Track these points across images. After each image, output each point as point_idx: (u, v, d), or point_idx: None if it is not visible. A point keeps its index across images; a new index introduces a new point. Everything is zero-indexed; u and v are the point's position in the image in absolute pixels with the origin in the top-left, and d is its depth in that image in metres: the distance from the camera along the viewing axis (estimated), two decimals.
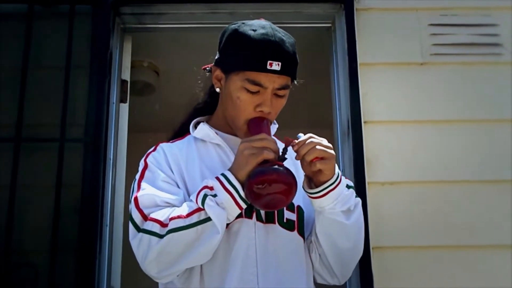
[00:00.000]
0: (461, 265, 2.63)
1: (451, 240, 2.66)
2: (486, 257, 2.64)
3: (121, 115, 2.94)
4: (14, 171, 2.72)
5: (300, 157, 1.69)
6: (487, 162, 2.75)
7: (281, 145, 1.72)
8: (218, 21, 2.98)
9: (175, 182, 1.78)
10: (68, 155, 2.76)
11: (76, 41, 2.89)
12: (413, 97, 2.83)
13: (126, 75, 3.02)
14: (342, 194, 1.74)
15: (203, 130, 1.89)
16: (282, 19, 2.91)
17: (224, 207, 1.64)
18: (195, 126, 1.93)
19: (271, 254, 1.75)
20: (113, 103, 2.88)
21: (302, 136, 1.71)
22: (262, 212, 1.77)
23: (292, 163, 1.79)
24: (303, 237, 1.84)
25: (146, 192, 1.72)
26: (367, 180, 2.69)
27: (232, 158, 1.77)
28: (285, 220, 1.81)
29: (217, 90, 1.87)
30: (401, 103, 2.82)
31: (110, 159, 2.80)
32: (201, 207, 1.63)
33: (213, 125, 1.92)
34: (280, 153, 1.70)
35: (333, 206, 1.73)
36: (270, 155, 1.64)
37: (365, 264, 2.55)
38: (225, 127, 1.89)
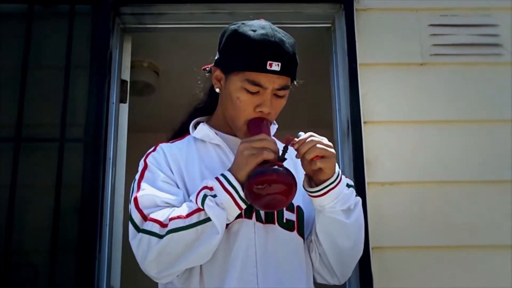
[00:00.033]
0: (461, 265, 2.63)
1: (451, 240, 2.66)
2: (486, 257, 2.64)
3: (121, 115, 2.94)
4: (14, 171, 2.72)
5: (300, 155, 1.69)
6: (487, 162, 2.75)
7: (280, 146, 1.72)
8: (218, 21, 2.98)
9: (175, 182, 1.78)
10: (68, 155, 2.76)
11: (76, 41, 2.89)
12: (413, 98, 2.82)
13: (126, 75, 3.02)
14: (342, 193, 1.74)
15: (202, 131, 1.89)
16: (282, 19, 2.91)
17: (224, 207, 1.64)
18: (195, 127, 1.93)
19: (271, 254, 1.75)
20: (113, 103, 2.88)
21: (302, 135, 1.71)
22: (262, 213, 1.77)
23: (292, 163, 1.79)
24: (303, 237, 1.84)
25: (146, 193, 1.72)
26: (366, 180, 2.69)
27: (232, 158, 1.77)
28: (284, 221, 1.81)
29: (217, 90, 1.87)
30: (401, 104, 2.82)
31: (110, 159, 2.80)
32: (201, 207, 1.63)
33: (213, 126, 1.92)
34: (280, 154, 1.70)
35: (333, 205, 1.73)
36: (270, 156, 1.64)
37: (364, 264, 2.55)
38: (225, 127, 1.89)
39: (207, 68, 1.94)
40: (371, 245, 2.58)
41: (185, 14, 3.03)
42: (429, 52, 2.89)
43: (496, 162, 2.75)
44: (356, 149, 2.74)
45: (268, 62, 1.70)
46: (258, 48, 1.72)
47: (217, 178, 1.68)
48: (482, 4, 2.97)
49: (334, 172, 1.72)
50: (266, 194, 1.61)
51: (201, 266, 1.71)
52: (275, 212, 1.78)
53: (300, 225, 1.83)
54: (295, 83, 1.84)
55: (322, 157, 1.67)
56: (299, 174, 1.80)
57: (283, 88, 1.77)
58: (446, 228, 2.66)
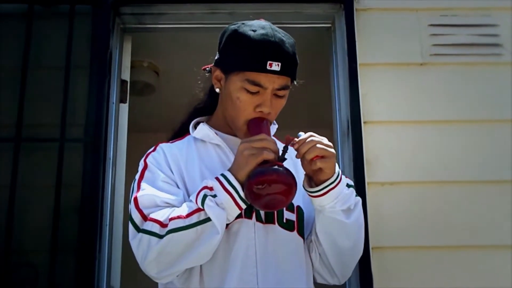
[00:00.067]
0: (461, 265, 2.63)
1: (451, 240, 2.66)
2: (486, 257, 2.64)
3: (121, 115, 2.94)
4: (14, 171, 2.72)
5: (300, 155, 1.69)
6: (487, 162, 2.75)
7: (280, 146, 1.72)
8: (217, 21, 2.98)
9: (175, 182, 1.78)
10: (68, 155, 2.76)
11: (76, 41, 2.89)
12: (413, 98, 2.82)
13: (126, 75, 3.02)
14: (342, 193, 1.74)
15: (202, 131, 1.89)
16: (282, 19, 2.91)
17: (224, 207, 1.64)
18: (195, 127, 1.93)
19: (271, 254, 1.75)
20: (113, 103, 2.88)
21: (302, 135, 1.71)
22: (262, 213, 1.77)
23: (292, 163, 1.79)
24: (303, 237, 1.84)
25: (146, 193, 1.72)
26: (366, 180, 2.69)
27: (232, 158, 1.77)
28: (284, 221, 1.81)
29: (217, 90, 1.87)
30: (401, 104, 2.82)
31: (110, 159, 2.80)
32: (201, 207, 1.63)
33: (213, 126, 1.92)
34: (280, 154, 1.70)
35: (333, 205, 1.73)
36: (270, 156, 1.64)
37: (364, 264, 2.55)
38: (225, 127, 1.89)
39: (207, 68, 1.94)
40: (371, 245, 2.58)
41: (185, 14, 3.03)
42: (429, 52, 2.89)
43: (496, 162, 2.75)
44: (356, 149, 2.74)
45: (268, 62, 1.70)
46: (258, 48, 1.72)
47: (217, 178, 1.68)
48: (482, 4, 2.97)
49: (334, 172, 1.72)
50: (266, 194, 1.61)
51: (201, 266, 1.71)
52: (275, 212, 1.78)
53: (300, 225, 1.83)
54: (295, 83, 1.84)
55: (322, 157, 1.67)
56: (299, 174, 1.80)
57: (283, 88, 1.77)
58: (446, 228, 2.66)
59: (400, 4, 2.97)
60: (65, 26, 2.90)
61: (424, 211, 2.68)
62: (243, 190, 1.64)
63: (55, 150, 2.75)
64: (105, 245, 2.70)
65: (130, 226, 1.69)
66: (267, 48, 1.72)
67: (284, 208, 1.79)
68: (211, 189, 1.66)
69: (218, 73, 1.84)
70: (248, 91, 1.74)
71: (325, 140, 1.70)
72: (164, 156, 1.84)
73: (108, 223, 2.73)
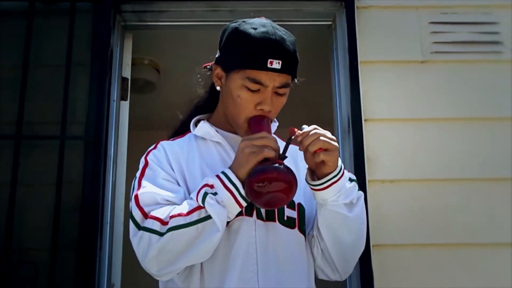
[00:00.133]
0: (461, 263, 2.63)
1: (451, 238, 2.66)
2: (486, 255, 2.64)
3: (122, 113, 2.94)
4: (15, 169, 2.72)
5: (303, 148, 1.69)
6: (488, 160, 2.75)
7: (281, 144, 1.72)
8: (218, 19, 2.98)
9: (176, 180, 1.78)
10: (69, 152, 2.76)
11: (76, 38, 2.89)
12: (414, 95, 2.82)
13: (127, 73, 3.03)
14: (344, 186, 1.75)
15: (203, 128, 1.89)
16: (283, 17, 2.92)
17: (225, 205, 1.64)
18: (196, 124, 1.93)
19: (272, 252, 1.75)
20: (114, 100, 2.88)
21: (306, 128, 1.71)
22: (263, 210, 1.77)
23: (292, 161, 1.80)
24: (304, 235, 1.84)
25: (146, 190, 1.72)
26: (367, 178, 2.69)
27: (233, 156, 1.77)
28: (285, 218, 1.81)
29: (218, 88, 1.87)
30: (401, 101, 2.82)
31: (110, 156, 2.80)
32: (202, 205, 1.63)
33: (213, 123, 1.92)
34: (281, 152, 1.70)
35: (335, 199, 1.74)
36: (270, 154, 1.64)
37: (365, 262, 2.55)
38: (226, 125, 1.89)
39: (207, 66, 1.94)
40: (371, 242, 2.58)
41: (186, 11, 3.03)
42: (430, 49, 2.89)
43: (496, 160, 2.75)
44: (356, 146, 2.74)
45: (269, 60, 1.70)
46: (258, 46, 1.72)
47: (217, 176, 1.68)
48: (482, 1, 2.97)
49: (337, 166, 1.72)
50: (266, 192, 1.61)
51: (201, 264, 1.71)
52: (276, 209, 1.78)
53: (301, 222, 1.83)
54: (296, 81, 1.84)
55: (326, 150, 1.67)
56: (300, 172, 1.80)
57: (284, 86, 1.77)
58: (446, 226, 2.66)
59: (400, 2, 2.97)
60: (66, 23, 2.90)
61: (425, 208, 2.68)
62: (243, 188, 1.64)
63: (55, 148, 2.75)
64: (106, 243, 2.70)
65: (131, 224, 1.70)
66: (267, 46, 1.72)
67: (285, 206, 1.79)
68: (211, 187, 1.66)
69: (218, 71, 1.84)
70: (248, 89, 1.74)
71: (328, 134, 1.70)
72: (165, 154, 1.84)
73: (108, 221, 2.73)
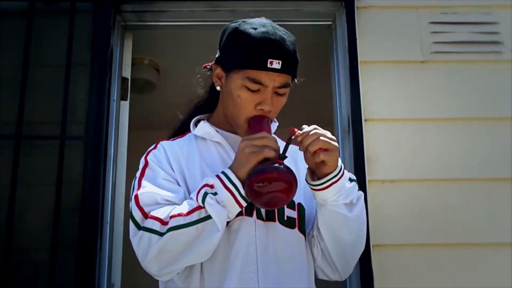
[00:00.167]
0: (461, 263, 2.63)
1: (451, 238, 2.66)
2: (486, 255, 2.64)
3: (122, 113, 2.94)
4: (15, 169, 2.72)
5: (303, 147, 1.69)
6: (488, 160, 2.75)
7: (281, 144, 1.72)
8: (218, 19, 2.98)
9: (176, 180, 1.78)
10: (69, 152, 2.76)
11: (76, 38, 2.89)
12: (414, 95, 2.82)
13: (127, 73, 3.03)
14: (344, 186, 1.75)
15: (203, 128, 1.89)
16: (283, 17, 2.92)
17: (225, 205, 1.64)
18: (196, 124, 1.94)
19: (272, 252, 1.75)
20: (114, 100, 2.88)
21: (306, 127, 1.71)
22: (263, 210, 1.77)
23: (292, 161, 1.80)
24: (304, 235, 1.84)
25: (146, 190, 1.72)
26: (367, 178, 2.69)
27: (233, 156, 1.77)
28: (285, 218, 1.81)
29: (218, 88, 1.87)
30: (401, 101, 2.82)
31: (110, 156, 2.80)
32: (202, 205, 1.63)
33: (213, 123, 1.92)
34: (281, 152, 1.70)
35: (336, 199, 1.74)
36: (270, 154, 1.64)
37: (365, 262, 2.55)
38: (226, 125, 1.89)
39: (207, 66, 1.94)
40: (371, 242, 2.58)
41: (186, 11, 3.03)
42: (430, 49, 2.89)
43: (496, 160, 2.75)
44: (356, 146, 2.74)
45: (269, 60, 1.70)
46: (258, 46, 1.72)
47: (217, 176, 1.68)
48: (482, 1, 2.97)
49: (337, 166, 1.72)
50: (266, 192, 1.61)
51: (201, 264, 1.71)
52: (276, 209, 1.78)
53: (301, 222, 1.83)
54: (296, 81, 1.84)
55: (326, 150, 1.67)
56: (300, 172, 1.80)
57: (284, 86, 1.77)
58: (446, 226, 2.66)
59: (400, 2, 2.97)
60: (66, 23, 2.90)
61: (424, 209, 2.68)
62: (243, 188, 1.64)
63: (55, 148, 2.75)
64: (106, 243, 2.70)
65: (131, 224, 1.70)
66: (267, 46, 1.72)
67: (285, 206, 1.79)
68: (211, 187, 1.66)
69: (218, 71, 1.84)
70: (248, 89, 1.74)
71: (328, 134, 1.70)
72: (165, 154, 1.84)
73: (108, 221, 2.73)
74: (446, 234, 2.66)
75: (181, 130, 2.01)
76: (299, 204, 1.85)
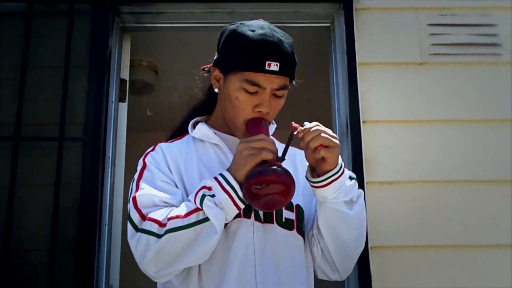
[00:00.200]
0: (460, 265, 2.63)
1: (450, 239, 2.66)
2: (485, 257, 2.65)
3: (120, 114, 2.94)
4: (13, 170, 2.72)
5: (304, 144, 1.69)
6: (487, 162, 2.75)
7: (279, 146, 1.72)
8: (217, 20, 2.98)
9: (174, 182, 1.78)
10: (67, 154, 2.76)
11: (75, 40, 2.90)
12: (412, 97, 2.83)
13: (125, 74, 3.02)
14: (345, 184, 1.75)
15: (201, 130, 1.89)
16: (281, 19, 2.92)
17: (222, 207, 1.64)
18: (194, 126, 1.94)
19: (270, 253, 1.75)
20: (112, 102, 2.88)
21: (307, 124, 1.71)
22: (261, 212, 1.77)
23: (290, 163, 1.80)
24: (303, 236, 1.84)
25: (144, 192, 1.71)
26: (365, 179, 2.69)
27: (231, 158, 1.77)
28: (284, 220, 1.80)
29: (216, 90, 1.87)
30: (400, 103, 2.83)
31: (109, 158, 2.80)
32: (199, 207, 1.63)
33: (211, 125, 1.92)
34: (281, 153, 1.70)
35: (336, 196, 1.74)
36: (268, 156, 1.64)
37: (363, 263, 2.55)
38: (224, 127, 1.89)
39: (206, 68, 1.94)
40: (370, 244, 2.58)
41: (185, 13, 3.04)
42: (428, 51, 2.89)
43: (495, 162, 2.75)
44: (355, 148, 2.74)
45: (267, 62, 1.70)
46: (256, 48, 1.72)
47: (215, 178, 1.67)
48: (481, 3, 2.97)
49: (337, 163, 1.72)
50: (264, 194, 1.61)
51: (199, 265, 1.71)
52: (274, 211, 1.78)
53: (299, 224, 1.83)
54: (294, 83, 1.84)
55: (326, 146, 1.67)
56: (298, 174, 1.81)
57: (282, 88, 1.76)
58: (445, 227, 2.67)
59: (399, 4, 2.98)
60: (64, 25, 2.90)
61: (423, 210, 2.68)
62: (241, 190, 1.64)
63: (54, 149, 2.75)
64: (104, 244, 2.71)
65: (129, 226, 1.69)
66: (265, 48, 1.72)
67: (283, 207, 1.79)
68: (209, 189, 1.66)
69: (216, 73, 1.84)
70: (246, 91, 1.74)
71: (329, 131, 1.70)
72: (163, 156, 1.84)
73: (107, 222, 2.73)
74: (445, 236, 2.66)
75: (180, 132, 2.00)
76: (297, 205, 1.84)
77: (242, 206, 1.67)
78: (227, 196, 1.64)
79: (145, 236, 1.64)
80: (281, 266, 1.75)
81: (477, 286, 2.58)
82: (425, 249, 2.66)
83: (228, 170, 1.68)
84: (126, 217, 1.72)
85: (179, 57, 4.06)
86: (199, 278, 1.71)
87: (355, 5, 2.95)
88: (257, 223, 1.76)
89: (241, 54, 1.74)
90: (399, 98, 2.83)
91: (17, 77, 2.83)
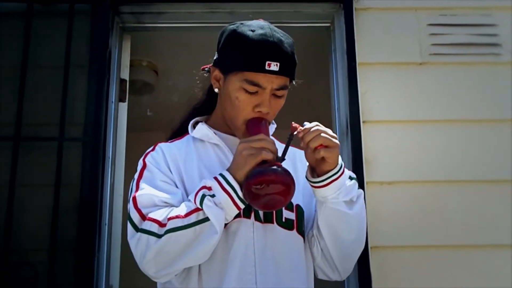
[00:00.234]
0: (460, 265, 2.63)
1: (450, 239, 2.66)
2: (485, 257, 2.64)
3: (120, 114, 2.94)
4: (13, 170, 2.72)
5: (304, 143, 1.69)
6: (487, 162, 2.75)
7: (279, 146, 1.72)
8: (217, 20, 2.98)
9: (174, 182, 1.78)
10: (67, 154, 2.76)
11: (75, 40, 2.90)
12: (412, 97, 2.83)
13: (125, 74, 3.02)
14: (345, 184, 1.75)
15: (201, 130, 1.89)
16: (281, 19, 2.92)
17: (222, 207, 1.64)
18: (194, 126, 1.94)
19: (270, 253, 1.75)
20: (112, 102, 2.88)
21: (307, 124, 1.71)
22: (261, 212, 1.77)
23: (290, 163, 1.80)
24: (303, 236, 1.84)
25: (144, 192, 1.71)
26: (365, 179, 2.69)
27: (231, 158, 1.77)
28: (284, 220, 1.80)
29: (216, 90, 1.87)
30: (400, 103, 2.82)
31: (109, 158, 2.80)
32: (199, 207, 1.63)
33: (211, 125, 1.92)
34: (281, 153, 1.70)
35: (336, 196, 1.74)
36: (268, 156, 1.64)
37: (363, 263, 2.55)
38: (224, 127, 1.89)
39: (206, 68, 1.94)
40: (369, 244, 2.58)
41: (185, 13, 3.03)
42: (428, 51, 2.89)
43: (495, 162, 2.75)
44: (355, 148, 2.74)
45: (267, 62, 1.70)
46: (256, 48, 1.72)
47: (215, 178, 1.67)
48: (481, 3, 2.97)
49: (337, 163, 1.72)
50: (264, 194, 1.61)
51: (199, 265, 1.71)
52: (274, 211, 1.78)
53: (299, 224, 1.83)
54: (294, 83, 1.84)
55: (326, 146, 1.67)
56: (298, 174, 1.80)
57: (282, 88, 1.77)
58: (445, 227, 2.67)
59: (399, 4, 2.97)
60: (64, 25, 2.90)
61: (423, 210, 2.68)
62: (241, 190, 1.64)
63: (54, 149, 2.75)
64: (104, 244, 2.71)
65: (129, 226, 1.69)
66: (265, 48, 1.72)
67: (283, 207, 1.79)
68: (209, 189, 1.66)
69: (216, 73, 1.84)
70: (246, 91, 1.74)
71: (330, 131, 1.70)
72: (163, 156, 1.84)
73: (107, 222, 2.73)
74: (445, 236, 2.66)
75: (180, 132, 2.00)
76: (297, 205, 1.85)
77: (242, 206, 1.67)
78: (227, 196, 1.64)
79: (145, 236, 1.64)
80: (281, 266, 1.75)
81: (477, 286, 2.58)
82: (425, 249, 2.66)
83: (228, 170, 1.68)
84: (126, 217, 1.72)
85: (179, 57, 4.06)
86: (199, 278, 1.71)
87: (355, 5, 2.95)
88: (257, 223, 1.76)
89: (241, 54, 1.74)
90: (399, 98, 2.83)
91: (17, 77, 2.83)
